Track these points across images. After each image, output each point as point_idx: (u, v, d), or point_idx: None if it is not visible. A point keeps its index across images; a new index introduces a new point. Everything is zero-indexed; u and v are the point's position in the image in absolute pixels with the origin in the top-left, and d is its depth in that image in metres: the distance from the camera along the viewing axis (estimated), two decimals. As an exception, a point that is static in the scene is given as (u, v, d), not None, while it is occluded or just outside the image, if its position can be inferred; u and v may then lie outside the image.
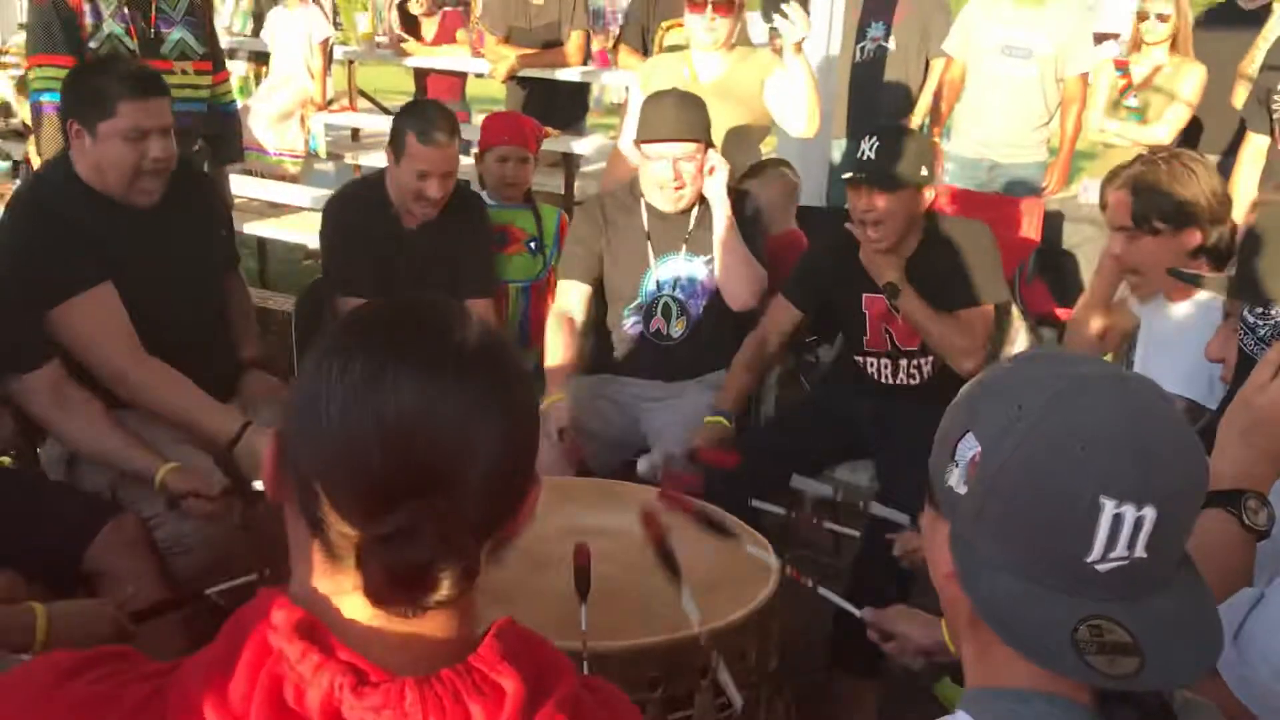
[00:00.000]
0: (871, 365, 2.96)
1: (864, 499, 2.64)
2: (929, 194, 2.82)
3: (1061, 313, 4.08)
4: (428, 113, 2.99)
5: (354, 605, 0.86)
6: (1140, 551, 0.90)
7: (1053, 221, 4.27)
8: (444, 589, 0.83)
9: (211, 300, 2.73)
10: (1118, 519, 0.89)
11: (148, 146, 2.41)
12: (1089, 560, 0.91)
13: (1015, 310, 3.20)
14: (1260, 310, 1.30)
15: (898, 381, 2.95)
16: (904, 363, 2.94)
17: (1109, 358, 2.60)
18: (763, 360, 3.04)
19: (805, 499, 2.56)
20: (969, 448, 0.96)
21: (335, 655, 0.82)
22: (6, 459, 2.79)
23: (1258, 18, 4.72)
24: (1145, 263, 2.36)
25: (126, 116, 2.37)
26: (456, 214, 3.08)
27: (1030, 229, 3.93)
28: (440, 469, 0.84)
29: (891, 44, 5.32)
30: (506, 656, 0.85)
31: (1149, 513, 0.90)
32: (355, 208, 3.16)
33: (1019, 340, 3.14)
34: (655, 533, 1.84)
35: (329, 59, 5.95)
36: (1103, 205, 2.46)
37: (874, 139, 2.74)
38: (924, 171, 2.76)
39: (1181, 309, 2.37)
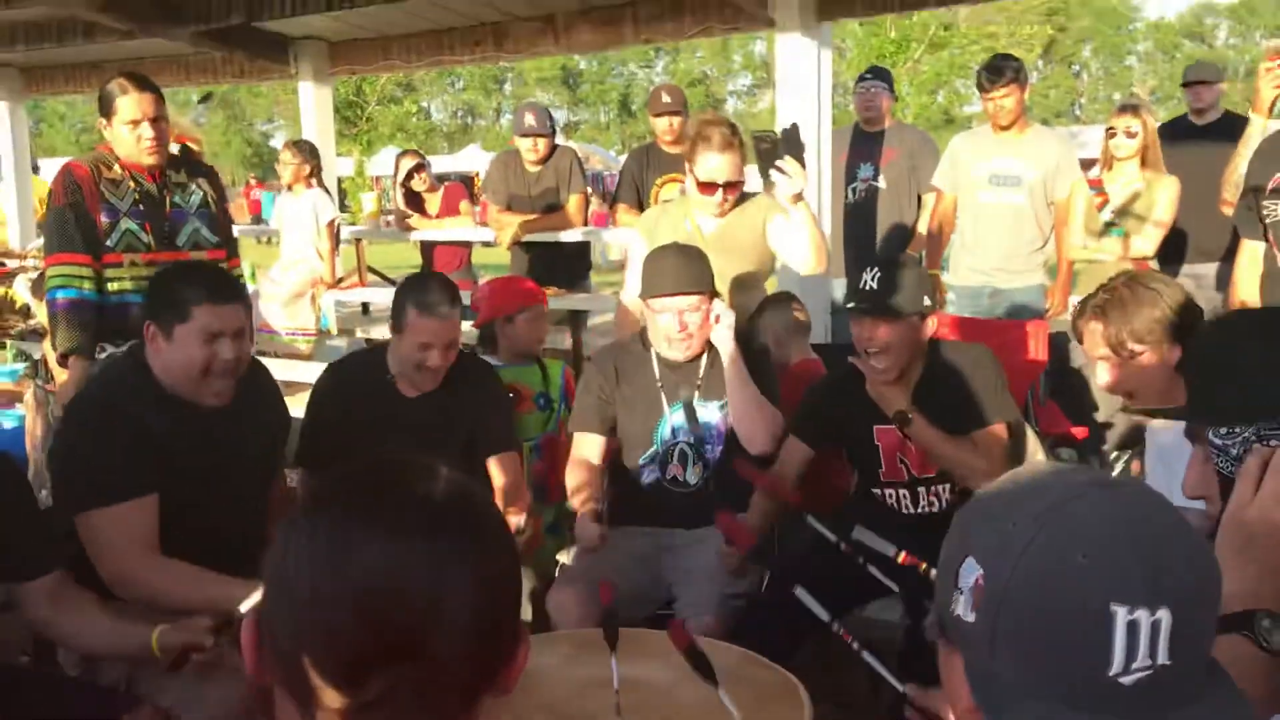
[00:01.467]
0: (891, 497, 2.95)
1: (897, 635, 2.58)
2: (931, 323, 2.85)
3: (1077, 431, 4.06)
4: (427, 285, 3.01)
5: None
6: (1164, 658, 0.87)
7: (1059, 342, 4.29)
8: None
9: (262, 497, 2.75)
10: (1133, 626, 0.86)
11: (220, 348, 2.46)
12: (1112, 674, 0.87)
13: (1031, 432, 3.19)
14: (1224, 430, 1.28)
15: (919, 511, 2.92)
16: (923, 491, 2.92)
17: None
18: (780, 503, 3.01)
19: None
20: (971, 572, 0.93)
21: None
22: (24, 656, 2.76)
23: (1211, 131, 4.87)
24: (1134, 386, 2.38)
25: (201, 319, 2.44)
26: (463, 381, 3.08)
27: (1037, 351, 3.95)
28: (415, 630, 0.82)
29: (882, 183, 5.48)
30: None
31: (1164, 615, 0.86)
32: (349, 379, 3.16)
33: (1037, 461, 3.12)
34: (683, 640, 1.82)
35: (336, 239, 6.12)
36: (1078, 338, 2.50)
37: (875, 270, 2.79)
38: (925, 300, 2.80)
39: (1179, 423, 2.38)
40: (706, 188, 3.36)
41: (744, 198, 3.50)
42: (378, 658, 0.81)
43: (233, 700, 2.27)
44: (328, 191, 6.17)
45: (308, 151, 6.16)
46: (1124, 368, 2.38)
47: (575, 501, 3.01)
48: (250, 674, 0.89)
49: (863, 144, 5.58)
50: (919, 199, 5.49)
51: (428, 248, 6.96)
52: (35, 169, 8.84)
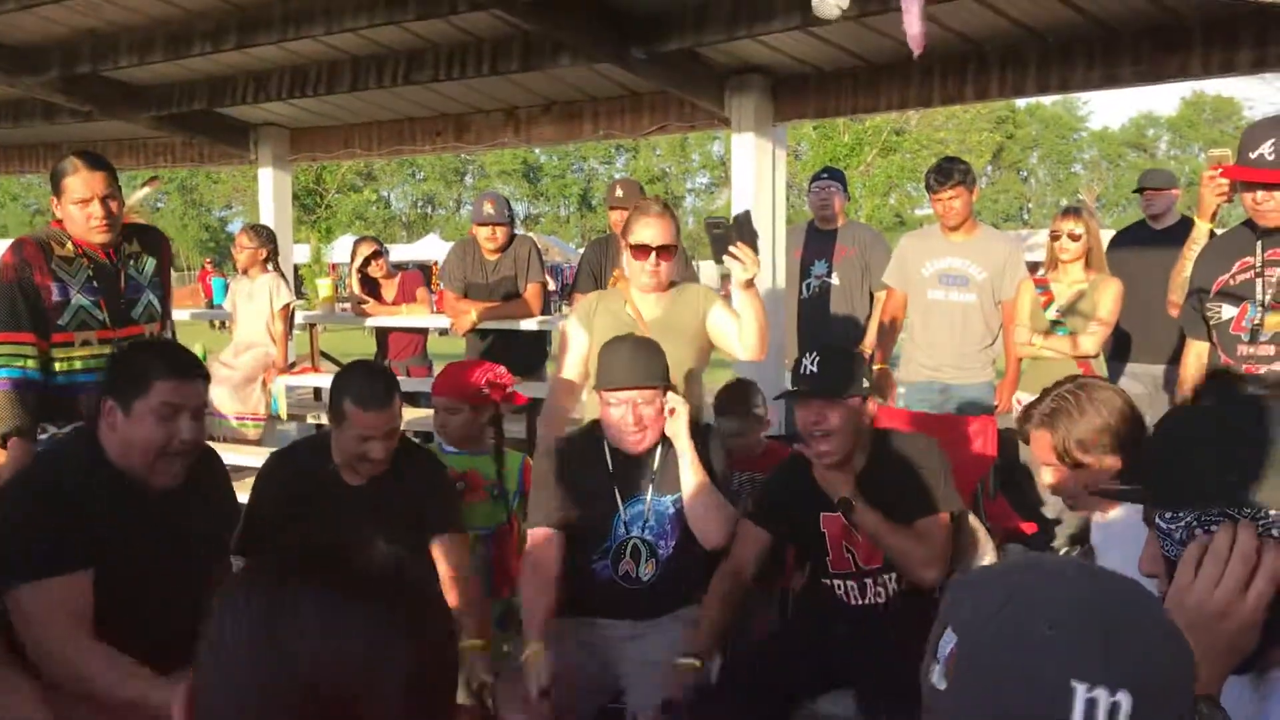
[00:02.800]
0: (839, 587, 2.94)
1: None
2: (871, 406, 2.89)
3: (1026, 526, 4.09)
4: (362, 377, 2.97)
5: None
6: None
7: (1007, 437, 4.34)
8: None
9: (205, 585, 2.68)
10: (1091, 704, 0.88)
11: (178, 427, 2.43)
12: None
13: (980, 526, 3.21)
14: (1169, 515, 1.33)
15: (866, 601, 2.92)
16: (868, 582, 2.92)
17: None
18: (739, 591, 2.99)
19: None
20: (947, 642, 0.96)
21: None
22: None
23: (1169, 235, 5.02)
24: (1076, 491, 2.43)
25: (161, 394, 2.41)
26: (407, 467, 3.03)
27: (986, 446, 3.99)
28: (349, 698, 0.83)
29: (835, 280, 5.58)
30: None
31: (1123, 699, 0.88)
32: (293, 467, 3.11)
33: (987, 555, 3.14)
34: None
35: (290, 324, 6.09)
36: (1024, 440, 2.54)
37: (814, 355, 2.87)
38: (865, 383, 2.85)
39: (1117, 516, 2.41)
40: (639, 251, 3.35)
41: (682, 287, 3.53)
42: (313, 714, 0.82)
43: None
44: (283, 276, 6.15)
45: (264, 236, 6.16)
46: (1066, 475, 2.42)
47: (525, 610, 2.93)
48: None
49: (816, 241, 5.68)
50: (871, 296, 5.59)
51: (383, 334, 6.95)
52: None
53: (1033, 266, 5.09)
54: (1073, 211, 4.67)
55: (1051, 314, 4.57)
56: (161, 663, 2.37)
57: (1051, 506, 4.34)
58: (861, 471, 2.90)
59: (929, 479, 2.89)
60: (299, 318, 6.70)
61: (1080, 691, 0.88)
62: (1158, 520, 1.35)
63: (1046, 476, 2.49)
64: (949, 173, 4.81)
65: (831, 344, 3.05)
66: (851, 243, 5.66)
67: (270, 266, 6.05)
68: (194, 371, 2.53)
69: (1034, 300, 4.64)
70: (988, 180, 55.44)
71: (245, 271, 6.14)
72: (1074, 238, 4.53)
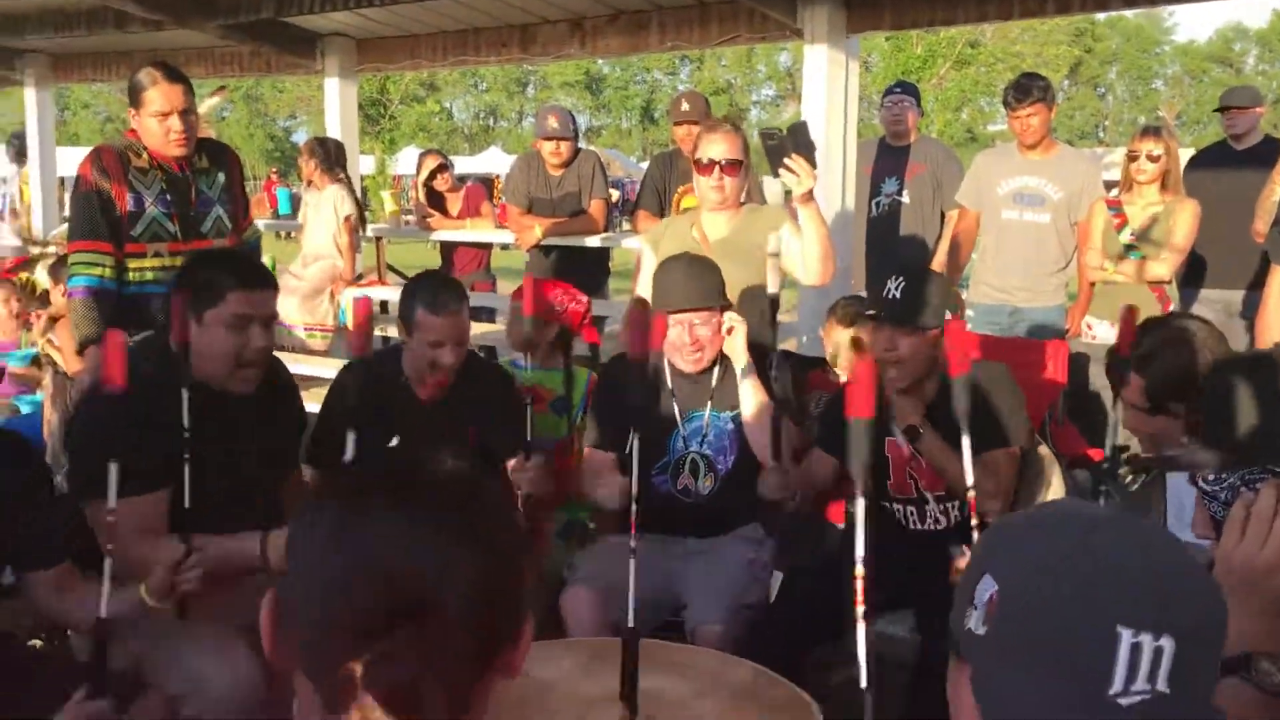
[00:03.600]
0: (899, 511, 2.94)
1: (905, 653, 2.57)
2: None
3: (1093, 453, 4.04)
4: (433, 284, 3.01)
5: None
6: (1162, 685, 0.89)
7: (1079, 363, 4.27)
8: (431, 711, 0.86)
9: (276, 491, 2.77)
10: (1135, 649, 0.89)
11: (250, 335, 2.48)
12: (1111, 693, 0.90)
13: (1048, 453, 3.17)
14: (1211, 477, 1.31)
15: (925, 527, 2.91)
16: (930, 508, 2.91)
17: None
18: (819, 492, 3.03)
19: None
20: (987, 588, 0.97)
21: None
22: (37, 640, 2.77)
23: (1252, 156, 4.85)
24: (1161, 438, 2.38)
25: (233, 304, 2.46)
26: (475, 385, 3.07)
27: (1056, 371, 3.93)
28: (420, 599, 0.87)
29: (906, 198, 5.47)
30: None
31: (1167, 644, 0.89)
32: (364, 380, 3.15)
33: (1054, 483, 3.11)
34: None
35: (356, 236, 6.12)
36: (1117, 383, 2.48)
37: (900, 279, 2.78)
38: (947, 314, 2.79)
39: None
40: (704, 167, 3.35)
41: (754, 208, 3.50)
42: (384, 624, 0.86)
43: (236, 686, 2.28)
44: (350, 188, 6.17)
45: (331, 148, 6.17)
46: (1154, 421, 2.38)
47: (597, 489, 3.00)
48: (268, 655, 0.94)
49: (888, 158, 5.57)
50: (942, 215, 5.48)
51: (448, 248, 6.98)
52: (22, 155, 8.84)
53: (1108, 186, 4.95)
54: (1152, 131, 4.52)
55: (1125, 237, 4.45)
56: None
57: (1121, 434, 4.27)
58: (932, 399, 2.86)
59: (1001, 411, 2.84)
60: (366, 231, 6.75)
61: (1125, 636, 0.89)
62: (1200, 483, 1.34)
63: (1132, 421, 2.45)
64: (1028, 89, 4.67)
65: (919, 268, 2.97)
66: (924, 159, 5.54)
67: (336, 178, 6.07)
68: (264, 282, 2.57)
69: (1107, 222, 4.53)
70: (1064, 96, 53.77)
71: (311, 183, 6.18)
72: (1152, 159, 4.40)
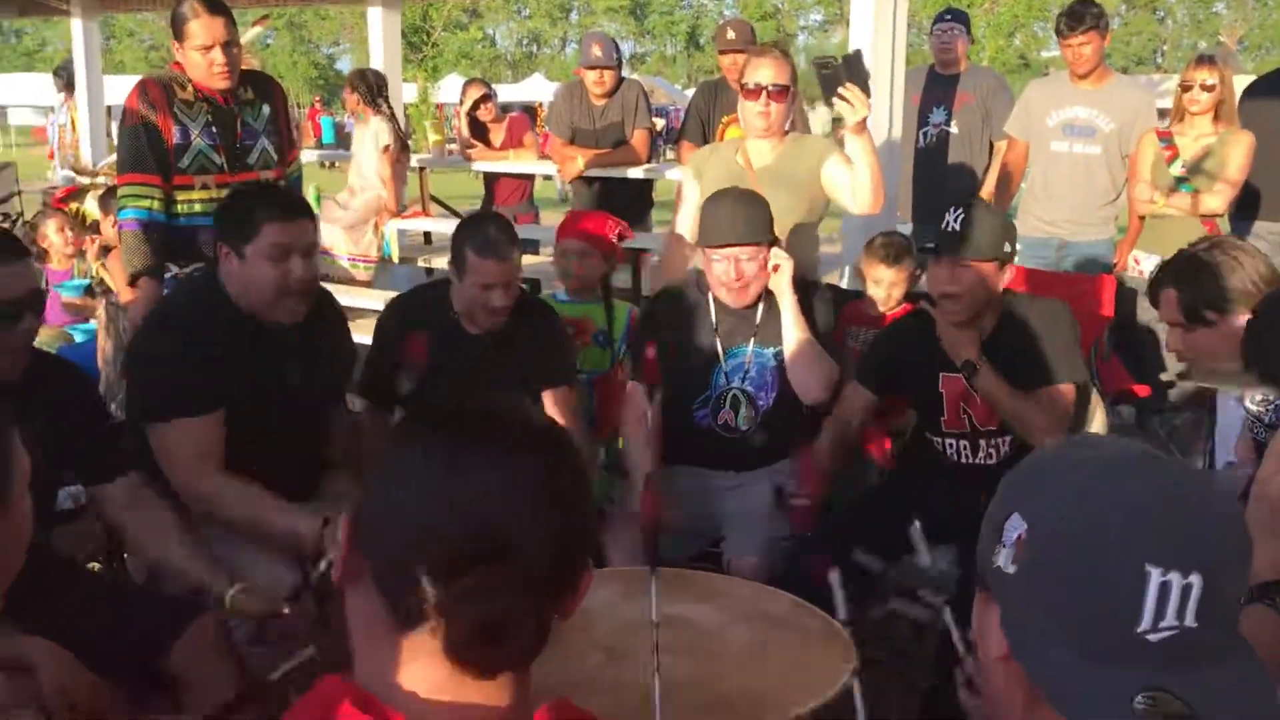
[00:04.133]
0: (949, 446, 2.93)
1: (946, 586, 2.59)
2: (1008, 273, 2.81)
3: (1139, 389, 4.01)
4: (485, 226, 2.99)
5: (416, 677, 0.95)
6: (1191, 620, 0.91)
7: (1126, 297, 4.22)
8: (517, 643, 0.93)
9: (322, 417, 2.83)
10: (1164, 587, 0.90)
11: (291, 266, 2.51)
12: (1140, 630, 0.91)
13: (1092, 386, 3.15)
14: (1260, 399, 1.30)
15: (976, 461, 2.91)
16: (982, 443, 2.91)
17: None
18: (846, 446, 3.02)
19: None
20: (1015, 527, 0.98)
21: None
22: (95, 564, 2.87)
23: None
24: (1203, 354, 2.35)
25: (270, 236, 2.49)
26: (524, 319, 3.07)
27: (1104, 306, 3.88)
28: (511, 537, 0.93)
29: (954, 128, 5.38)
30: None
31: (1195, 580, 0.90)
32: (414, 313, 3.17)
33: (1096, 418, 3.09)
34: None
35: (397, 166, 6.12)
36: (1154, 303, 2.45)
37: (959, 211, 2.75)
38: (1006, 248, 2.76)
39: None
40: (751, 92, 3.32)
41: (799, 137, 3.47)
42: (477, 557, 0.92)
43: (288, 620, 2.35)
44: (392, 118, 6.17)
45: (372, 79, 6.16)
46: (1194, 336, 2.34)
47: (632, 453, 3.02)
48: (338, 568, 1.00)
49: (936, 87, 5.47)
50: (990, 146, 5.39)
51: (490, 179, 6.97)
52: (71, 86, 8.90)
53: (1162, 114, 4.83)
54: (1207, 60, 4.39)
55: (1176, 170, 4.36)
56: (285, 493, 2.54)
57: (1168, 369, 4.23)
58: (989, 335, 2.84)
59: (1058, 347, 2.82)
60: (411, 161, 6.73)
61: (1155, 575, 0.90)
62: (1248, 404, 1.33)
63: (1172, 341, 2.42)
64: (1081, 16, 4.55)
65: (977, 200, 2.92)
66: (973, 89, 5.43)
67: (379, 110, 6.06)
68: (299, 211, 2.59)
69: (1157, 154, 4.43)
70: (1120, 20, 52.20)
71: (355, 115, 6.18)
72: (1206, 88, 4.28)
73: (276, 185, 3.34)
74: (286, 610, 2.28)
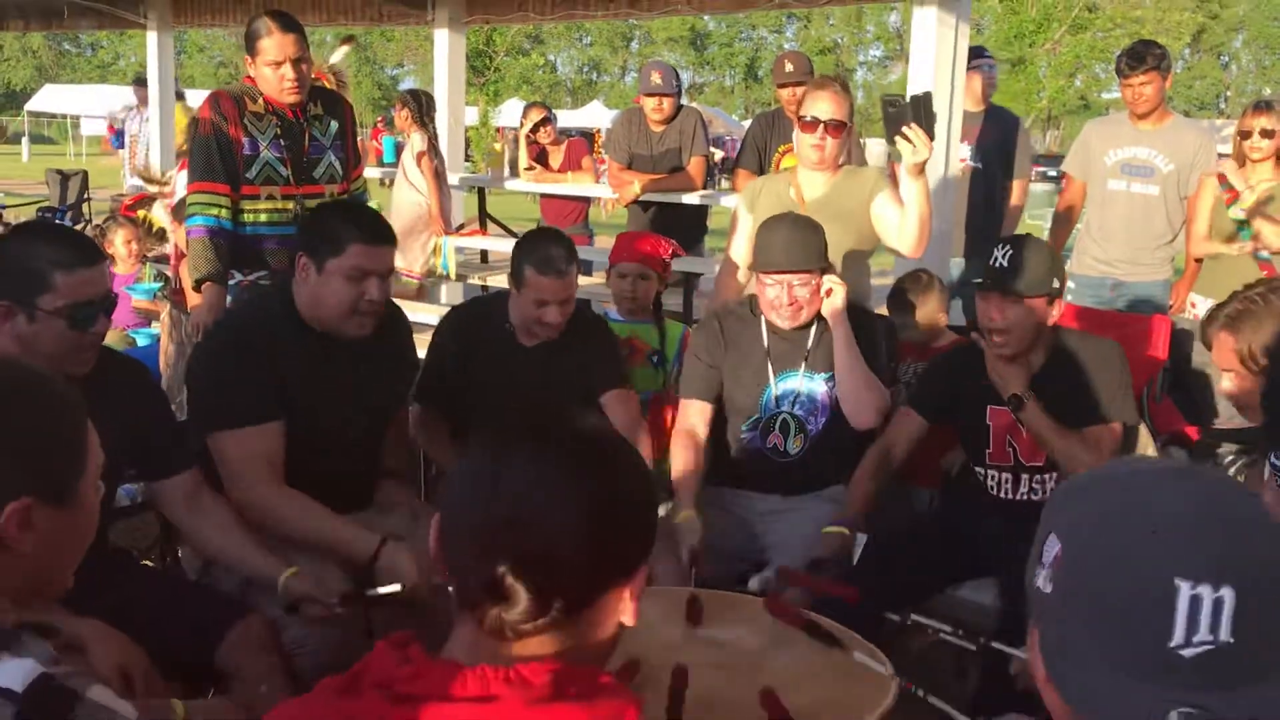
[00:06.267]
0: (993, 479, 2.93)
1: (987, 621, 2.58)
2: (1058, 307, 2.81)
3: (1191, 431, 3.96)
4: (544, 243, 3.01)
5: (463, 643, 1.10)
6: (1225, 635, 0.89)
7: (1181, 340, 4.18)
8: (520, 605, 1.05)
9: (383, 428, 2.85)
10: (1195, 600, 0.89)
11: (367, 287, 2.54)
12: (1173, 645, 0.90)
13: (1144, 429, 3.13)
14: None
15: (1018, 497, 2.90)
16: (1026, 478, 2.90)
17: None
18: (887, 469, 3.01)
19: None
20: (1052, 547, 0.98)
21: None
22: (149, 560, 2.93)
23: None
24: (1255, 400, 2.32)
25: (354, 257, 2.52)
26: (577, 332, 3.10)
27: (1158, 347, 3.85)
28: (529, 517, 1.06)
29: (980, 164, 5.39)
30: (554, 674, 1.04)
31: (1227, 594, 0.89)
32: (471, 324, 3.21)
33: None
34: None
35: (438, 176, 6.20)
36: (1207, 345, 2.44)
37: (1007, 248, 2.77)
38: (1055, 283, 2.76)
39: None
40: (807, 125, 3.34)
41: (851, 169, 3.49)
42: (514, 537, 1.06)
43: (336, 637, 2.39)
44: (433, 135, 6.26)
45: (423, 100, 6.27)
46: (1247, 382, 2.33)
47: (675, 475, 3.01)
48: (438, 569, 1.14)
49: (963, 123, 5.49)
50: (1009, 183, 5.44)
51: (546, 201, 7.04)
52: (180, 95, 9.15)
53: (1222, 158, 4.79)
54: (1264, 106, 4.35)
55: (1236, 213, 4.31)
56: (341, 502, 2.57)
57: (1221, 413, 4.18)
58: (1038, 370, 2.84)
59: (1107, 386, 2.81)
60: (470, 181, 6.81)
61: (1184, 589, 0.89)
62: (1272, 458, 1.31)
63: (1225, 383, 2.40)
64: (1142, 56, 4.54)
65: (1025, 236, 2.92)
66: (994, 126, 5.46)
67: (423, 128, 6.16)
68: (386, 237, 2.62)
69: (1217, 199, 4.38)
70: (1184, 64, 51.72)
71: (403, 132, 6.30)
72: (1266, 134, 4.24)
73: (366, 207, 3.40)
74: (339, 610, 2.31)
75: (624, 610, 1.13)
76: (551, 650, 1.09)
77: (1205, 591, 0.89)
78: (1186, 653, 0.90)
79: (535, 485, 1.07)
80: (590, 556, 1.07)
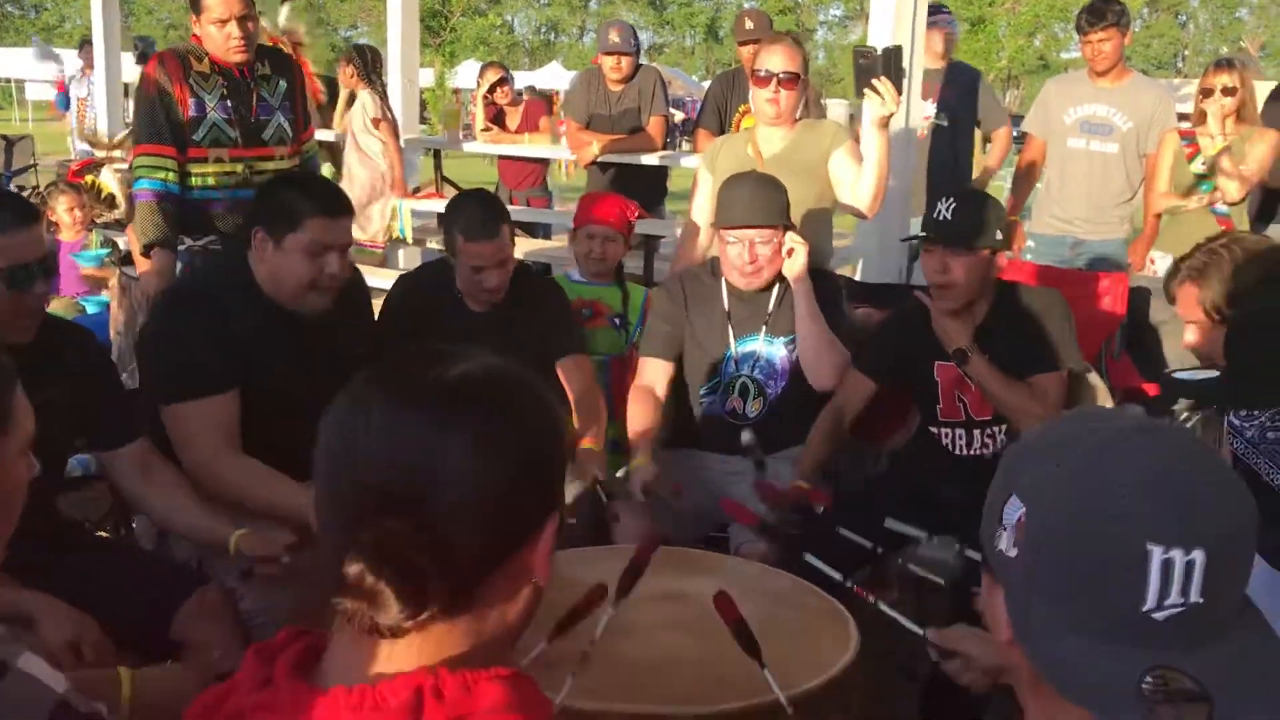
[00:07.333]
0: (947, 436, 2.94)
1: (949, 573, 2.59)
2: (1002, 260, 2.82)
3: (1149, 387, 4.00)
4: (471, 208, 2.98)
5: (341, 646, 0.94)
6: (1196, 596, 0.90)
7: (1139, 297, 4.20)
8: (433, 600, 0.88)
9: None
10: (1167, 565, 0.89)
11: (326, 261, 2.49)
12: (1145, 609, 0.90)
13: (1101, 385, 3.15)
14: (1244, 413, 1.28)
15: (973, 452, 2.91)
16: (978, 432, 2.91)
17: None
18: (839, 431, 3.02)
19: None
20: (1014, 510, 0.97)
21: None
22: (103, 531, 2.88)
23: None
24: (1219, 351, 2.33)
25: (312, 231, 2.46)
26: (529, 296, 3.08)
27: (1115, 304, 3.87)
28: (410, 488, 0.89)
29: (944, 120, 5.39)
30: (417, 691, 0.87)
31: (1199, 556, 0.89)
32: (420, 292, 3.18)
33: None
34: (731, 614, 1.78)
35: (395, 136, 6.09)
36: (1170, 298, 2.44)
37: (951, 201, 2.77)
38: (998, 235, 2.77)
39: None
40: (762, 81, 3.32)
41: (809, 123, 3.49)
42: (370, 511, 0.88)
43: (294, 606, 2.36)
44: (384, 95, 6.14)
45: (369, 55, 6.14)
46: (1212, 334, 2.33)
47: (631, 429, 3.01)
48: (314, 525, 0.98)
49: (925, 80, 5.48)
50: (973, 139, 5.45)
51: (504, 163, 6.97)
52: (145, 58, 8.91)
53: (1183, 117, 4.81)
54: (1225, 64, 4.37)
55: (1197, 166, 4.33)
56: (300, 470, 2.50)
57: (1179, 368, 4.22)
58: (981, 322, 2.85)
59: (1050, 335, 2.83)
60: (427, 143, 6.71)
61: (1157, 553, 0.89)
62: (1230, 417, 1.31)
63: (1189, 335, 2.40)
64: (1102, 13, 4.54)
65: (969, 190, 2.92)
66: (958, 83, 5.45)
67: (371, 85, 6.04)
68: (343, 210, 2.57)
69: (1178, 154, 4.40)
70: (1142, 23, 51.93)
71: (352, 94, 6.19)
72: (1228, 92, 4.25)
73: (321, 177, 3.32)
74: (285, 559, 2.25)
75: (532, 573, 0.96)
76: (441, 647, 0.92)
77: (1178, 555, 0.89)
78: (1158, 615, 0.90)
79: (398, 450, 0.89)
80: (477, 529, 0.90)
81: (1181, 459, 0.95)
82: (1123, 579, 0.90)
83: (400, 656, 0.91)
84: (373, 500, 0.88)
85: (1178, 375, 1.64)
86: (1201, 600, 0.90)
